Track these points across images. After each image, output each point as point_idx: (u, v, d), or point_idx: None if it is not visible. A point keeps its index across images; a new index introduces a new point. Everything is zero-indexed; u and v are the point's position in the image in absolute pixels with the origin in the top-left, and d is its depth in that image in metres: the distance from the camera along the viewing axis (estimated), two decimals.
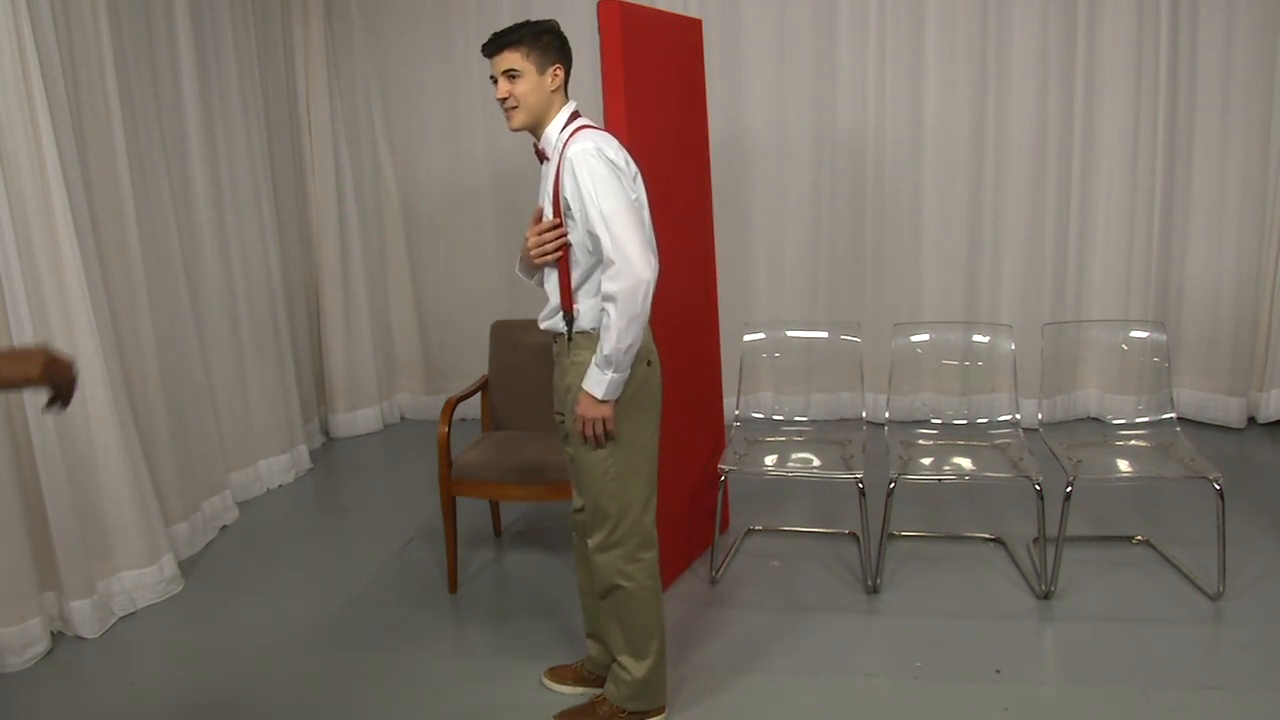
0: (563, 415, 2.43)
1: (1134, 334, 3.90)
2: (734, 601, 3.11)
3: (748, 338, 3.65)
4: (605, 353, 2.15)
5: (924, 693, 2.58)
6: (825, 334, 3.81)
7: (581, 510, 2.44)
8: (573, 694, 2.62)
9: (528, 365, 3.47)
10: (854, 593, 3.14)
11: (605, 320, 2.15)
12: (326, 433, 5.04)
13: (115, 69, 3.26)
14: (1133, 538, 3.43)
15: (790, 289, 4.82)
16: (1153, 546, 3.36)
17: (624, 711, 2.46)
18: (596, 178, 2.14)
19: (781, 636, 2.88)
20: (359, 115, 4.94)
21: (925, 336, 3.71)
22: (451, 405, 3.25)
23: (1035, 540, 3.26)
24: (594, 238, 2.16)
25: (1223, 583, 3.00)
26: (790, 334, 3.80)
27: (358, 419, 5.07)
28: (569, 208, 2.21)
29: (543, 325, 2.37)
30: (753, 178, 4.70)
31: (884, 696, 2.58)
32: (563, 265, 2.26)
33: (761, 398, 3.94)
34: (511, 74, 2.20)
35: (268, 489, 4.28)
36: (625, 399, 2.25)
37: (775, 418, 3.78)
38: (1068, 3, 4.35)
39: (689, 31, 3.29)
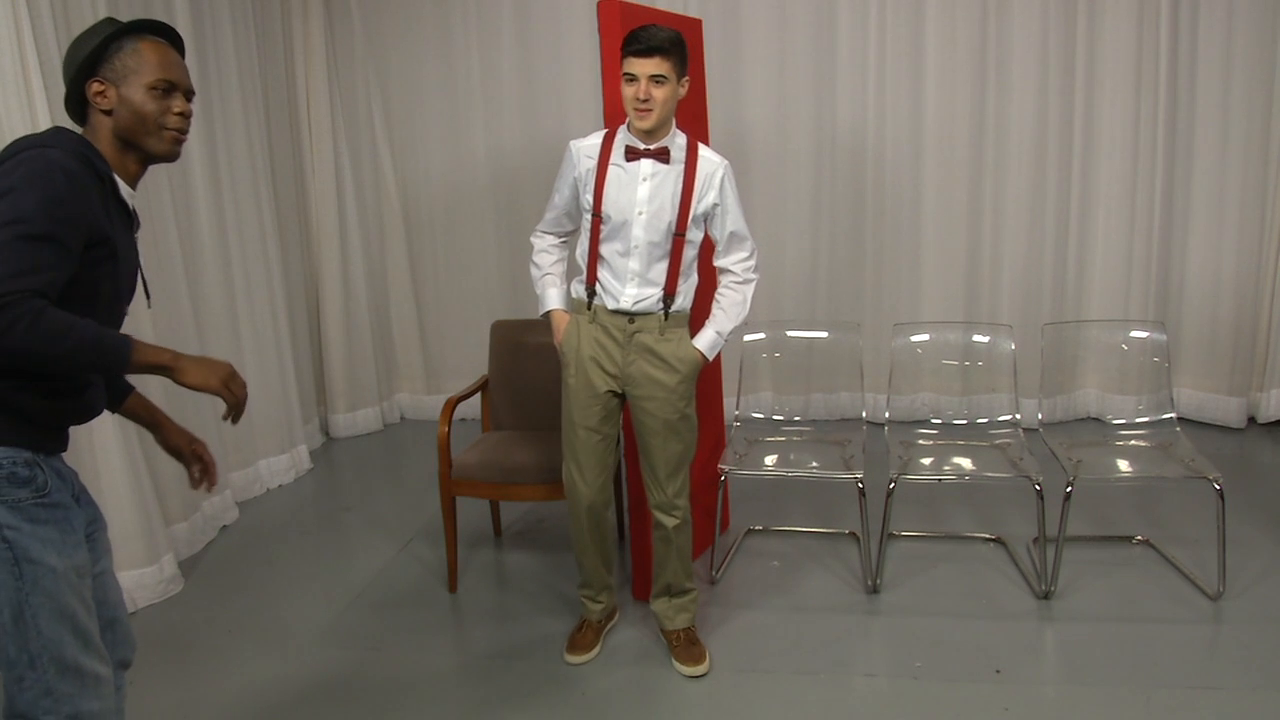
0: (636, 393, 2.55)
1: (1134, 334, 3.90)
2: (734, 601, 3.11)
3: (747, 338, 3.65)
4: (736, 324, 2.55)
5: (924, 693, 2.58)
6: (825, 334, 3.81)
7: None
8: (595, 655, 2.77)
9: (528, 365, 3.47)
10: (854, 593, 3.14)
11: (737, 297, 2.54)
12: (326, 433, 5.04)
13: None
14: (1133, 538, 3.43)
15: (790, 289, 4.82)
16: (1153, 546, 3.36)
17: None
18: (737, 189, 2.55)
19: (781, 636, 2.88)
20: (359, 115, 4.94)
21: (925, 336, 3.71)
22: (451, 405, 3.25)
23: (1035, 540, 3.26)
24: (736, 237, 2.54)
25: (1223, 583, 3.00)
26: (790, 334, 3.80)
27: (358, 419, 5.07)
28: (708, 212, 2.50)
29: (632, 306, 2.51)
30: (753, 178, 4.70)
31: (884, 696, 2.58)
32: (676, 256, 2.49)
33: (761, 398, 3.94)
34: (659, 79, 2.35)
35: (268, 489, 4.28)
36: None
37: (775, 418, 3.78)
38: (1068, 2, 4.36)
39: (689, 31, 3.28)
